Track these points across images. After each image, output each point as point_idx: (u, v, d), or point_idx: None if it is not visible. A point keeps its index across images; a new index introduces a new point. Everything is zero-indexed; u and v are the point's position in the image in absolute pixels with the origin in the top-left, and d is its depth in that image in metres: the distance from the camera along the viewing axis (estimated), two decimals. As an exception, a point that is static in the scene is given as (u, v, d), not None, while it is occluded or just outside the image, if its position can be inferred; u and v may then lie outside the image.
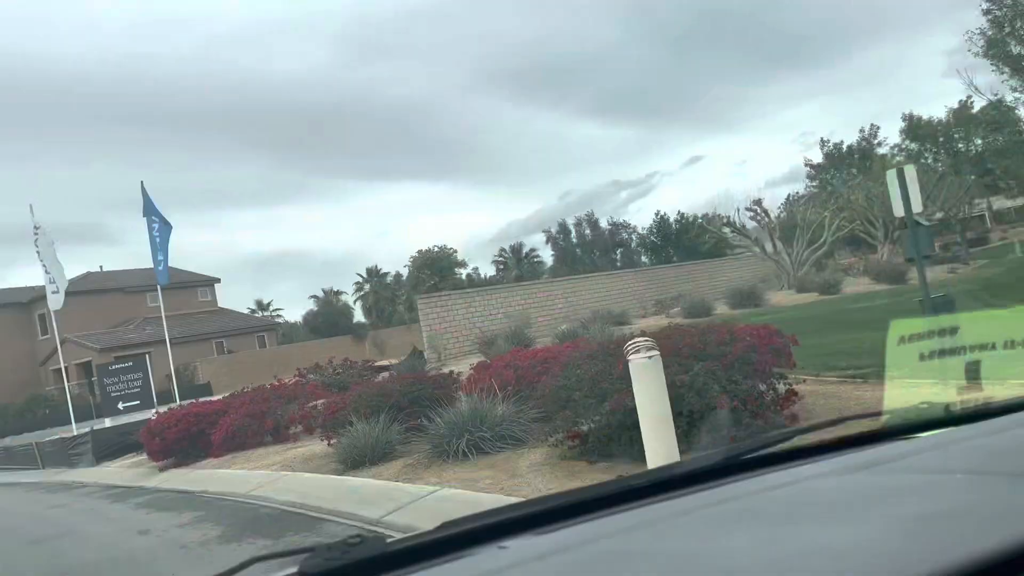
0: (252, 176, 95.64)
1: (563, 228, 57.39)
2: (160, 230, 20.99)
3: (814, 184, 58.75)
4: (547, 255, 64.68)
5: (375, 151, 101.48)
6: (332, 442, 11.37)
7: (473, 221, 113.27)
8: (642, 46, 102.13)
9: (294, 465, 11.52)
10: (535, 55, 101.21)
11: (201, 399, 19.18)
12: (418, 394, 11.16)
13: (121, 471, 16.01)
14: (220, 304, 52.61)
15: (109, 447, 18.22)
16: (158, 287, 21.42)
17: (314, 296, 63.30)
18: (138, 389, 20.37)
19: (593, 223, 56.90)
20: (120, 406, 20.34)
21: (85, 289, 46.57)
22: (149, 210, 20.88)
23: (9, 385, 42.52)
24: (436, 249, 60.42)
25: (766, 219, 33.02)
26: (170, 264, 53.12)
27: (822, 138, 61.22)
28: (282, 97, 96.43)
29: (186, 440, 14.36)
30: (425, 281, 59.83)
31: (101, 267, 51.14)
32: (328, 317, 52.14)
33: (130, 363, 20.70)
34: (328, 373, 19.52)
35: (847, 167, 57.95)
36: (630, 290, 31.85)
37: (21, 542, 9.55)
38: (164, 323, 22.07)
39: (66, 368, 45.21)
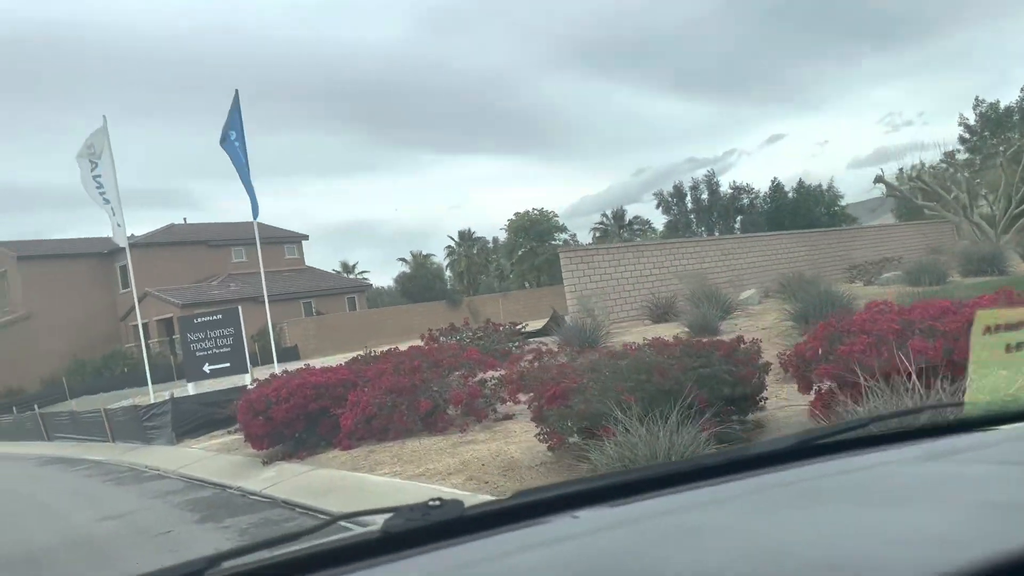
0: (327, 145, 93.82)
1: (677, 192, 51.85)
2: (240, 148, 16.88)
3: (959, 149, 51.71)
4: (654, 217, 59.69)
5: (449, 124, 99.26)
6: (551, 446, 6.90)
7: (544, 196, 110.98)
8: (725, 21, 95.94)
9: (488, 477, 7.05)
10: (616, 28, 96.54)
11: (303, 364, 15.03)
12: (710, 375, 6.53)
13: (209, 457, 11.91)
14: (307, 263, 49.20)
15: (192, 420, 14.24)
16: (254, 223, 17.36)
17: (402, 259, 59.56)
18: (228, 348, 16.34)
19: (712, 186, 51.20)
20: (206, 368, 16.38)
21: (168, 241, 43.65)
22: (234, 122, 16.77)
23: (89, 340, 39.80)
24: (535, 212, 55.76)
25: (964, 175, 27.18)
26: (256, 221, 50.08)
27: (976, 97, 54.04)
28: (359, 68, 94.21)
29: (301, 421, 10.10)
30: (522, 246, 55.36)
31: (185, 219, 48.21)
32: (423, 281, 48.09)
33: (219, 315, 16.68)
34: (467, 338, 15.14)
35: (1005, 130, 50.84)
36: (792, 254, 26.63)
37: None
38: (261, 267, 18.10)
39: (145, 324, 42.36)
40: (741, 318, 15.09)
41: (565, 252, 20.53)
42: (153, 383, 23.10)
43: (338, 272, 55.22)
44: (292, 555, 1.14)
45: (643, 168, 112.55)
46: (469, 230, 58.54)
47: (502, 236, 57.99)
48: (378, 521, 1.17)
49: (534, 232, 54.76)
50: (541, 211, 55.70)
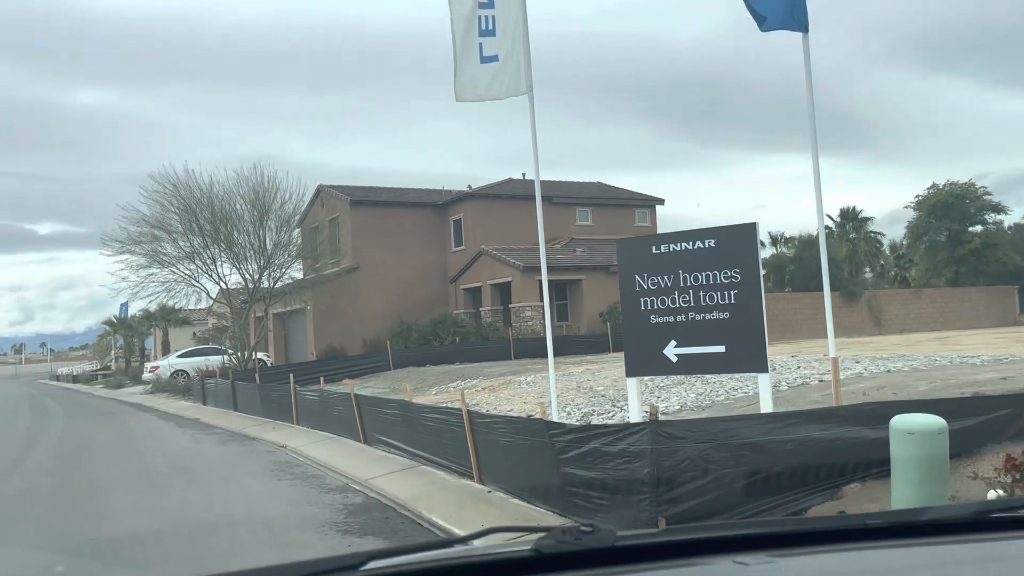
0: (629, 140, 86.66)
1: None
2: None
3: None
4: None
5: (758, 122, 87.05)
6: None
7: (856, 200, 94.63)
8: None
9: None
10: (964, 19, 76.85)
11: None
12: None
13: None
14: (660, 231, 40.45)
15: (712, 480, 5.37)
16: (600, 183, 7.97)
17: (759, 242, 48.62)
18: (724, 314, 7.42)
19: None
20: (670, 352, 7.58)
21: (505, 194, 37.16)
22: None
23: (413, 301, 34.34)
24: (957, 186, 41.99)
25: None
26: (600, 181, 41.21)
27: None
28: (673, 63, 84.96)
29: None
30: (936, 230, 41.92)
31: (524, 175, 41.69)
32: (812, 265, 37.23)
33: (710, 241, 7.71)
34: None
35: None
36: None
37: None
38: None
39: (476, 289, 36.17)
40: None
41: None
42: (487, 362, 15.33)
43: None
44: (442, 562, 1.19)
45: (983, 174, 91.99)
46: (853, 208, 46.10)
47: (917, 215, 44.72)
48: (531, 539, 1.18)
49: (957, 209, 41.11)
50: (968, 184, 41.81)
